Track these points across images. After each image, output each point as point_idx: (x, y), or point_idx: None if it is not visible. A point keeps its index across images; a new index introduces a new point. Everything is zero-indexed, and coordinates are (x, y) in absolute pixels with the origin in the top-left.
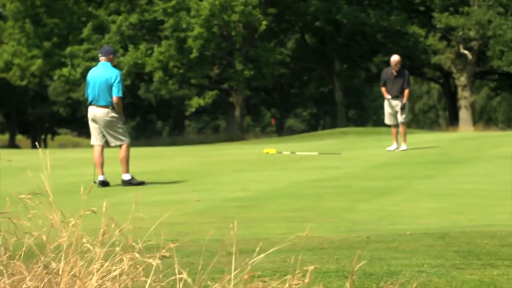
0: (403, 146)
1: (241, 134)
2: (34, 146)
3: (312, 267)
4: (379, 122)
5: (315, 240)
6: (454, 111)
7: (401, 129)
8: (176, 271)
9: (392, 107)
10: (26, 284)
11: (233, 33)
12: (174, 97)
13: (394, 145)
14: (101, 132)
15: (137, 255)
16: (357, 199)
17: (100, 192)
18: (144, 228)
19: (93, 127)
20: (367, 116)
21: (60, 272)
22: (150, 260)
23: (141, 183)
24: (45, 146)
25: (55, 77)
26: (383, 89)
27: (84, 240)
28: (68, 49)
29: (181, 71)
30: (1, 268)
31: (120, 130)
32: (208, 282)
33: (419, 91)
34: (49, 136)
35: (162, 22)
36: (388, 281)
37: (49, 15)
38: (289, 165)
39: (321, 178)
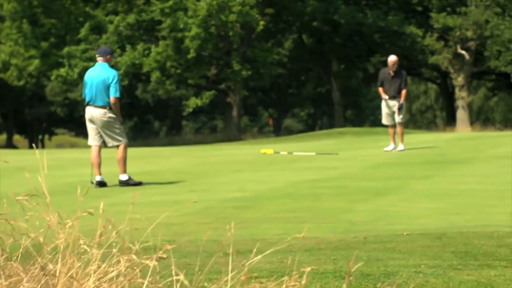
0: (401, 147)
1: (239, 134)
2: (31, 146)
3: (309, 269)
4: (376, 122)
5: (313, 241)
6: (452, 111)
7: (398, 129)
8: (173, 273)
9: (389, 108)
10: (23, 286)
11: (230, 33)
12: (172, 97)
13: (392, 145)
14: (99, 132)
15: (134, 256)
16: (355, 199)
17: (97, 193)
18: (141, 229)
19: (90, 128)
20: (365, 116)
21: (57, 274)
22: (147, 262)
23: (139, 184)
24: (43, 146)
25: (53, 77)
26: (380, 90)
27: (81, 241)
28: (66, 49)
29: (178, 71)
30: None
31: (118, 131)
32: (205, 284)
33: (416, 91)
34: (46, 136)
35: (160, 22)
36: (385, 282)
37: (47, 15)
38: (286, 165)
39: (319, 178)
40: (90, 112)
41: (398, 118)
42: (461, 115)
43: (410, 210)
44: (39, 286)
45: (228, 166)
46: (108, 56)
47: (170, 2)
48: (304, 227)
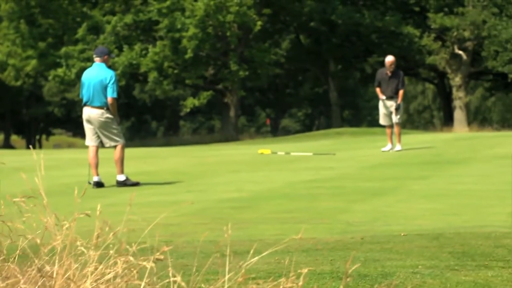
0: (398, 147)
1: (236, 134)
2: (29, 147)
3: (305, 270)
4: (373, 122)
5: (310, 242)
6: (449, 111)
7: (395, 129)
8: (170, 274)
9: (386, 108)
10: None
11: (228, 34)
12: (169, 97)
13: (389, 146)
14: (96, 133)
15: (131, 258)
16: (352, 200)
17: (95, 193)
18: (138, 230)
19: (87, 128)
20: (362, 116)
21: (54, 275)
22: (144, 263)
23: (136, 184)
24: (40, 147)
25: (50, 78)
26: (377, 90)
27: (78, 243)
28: (63, 50)
29: (175, 71)
30: None
31: (115, 131)
32: (202, 285)
33: (413, 92)
34: (44, 137)
35: (157, 22)
36: (383, 283)
37: (44, 15)
38: (283, 165)
39: (316, 178)
40: (88, 113)
41: (395, 119)
42: (459, 115)
43: (407, 211)
44: None
45: (225, 166)
46: (106, 57)
47: (168, 2)
48: (301, 228)
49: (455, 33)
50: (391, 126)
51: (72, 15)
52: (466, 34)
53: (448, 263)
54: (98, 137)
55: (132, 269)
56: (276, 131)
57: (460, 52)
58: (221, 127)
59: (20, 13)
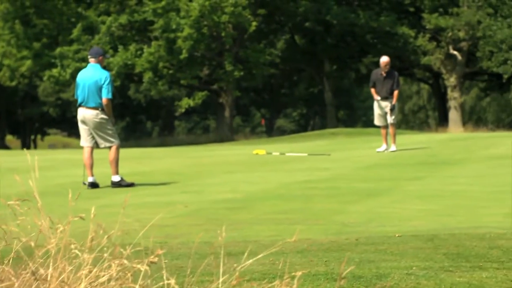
0: (393, 147)
1: (231, 134)
2: (24, 147)
3: (299, 273)
4: (368, 122)
5: (304, 243)
6: (444, 111)
7: (390, 130)
8: (164, 277)
9: (381, 108)
10: None
11: (222, 34)
12: (164, 97)
13: (384, 146)
14: (91, 133)
15: (125, 261)
16: (346, 200)
17: (89, 194)
18: (133, 231)
19: (82, 129)
20: (357, 116)
21: (49, 278)
22: (139, 266)
23: (131, 185)
24: (35, 147)
25: (45, 78)
26: (372, 90)
27: (73, 246)
28: (58, 50)
29: (170, 71)
30: None
31: (110, 132)
32: (196, 287)
33: (408, 92)
34: (39, 137)
35: (152, 22)
36: (377, 284)
37: (39, 15)
38: (278, 166)
39: (311, 179)
40: (82, 113)
41: (390, 119)
42: (454, 115)
43: (402, 212)
44: None
45: (220, 167)
46: (100, 57)
47: (163, 3)
48: (296, 229)
49: (450, 34)
50: (386, 126)
51: (67, 16)
52: (461, 34)
53: (443, 264)
54: (93, 138)
55: (126, 272)
56: (271, 131)
57: (455, 52)
58: (216, 127)
59: (15, 14)
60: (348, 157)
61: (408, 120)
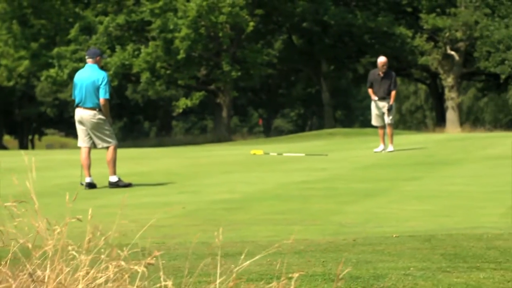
0: (390, 148)
1: (229, 134)
2: (21, 147)
3: (297, 274)
4: (366, 122)
5: (302, 243)
6: (441, 111)
7: (388, 130)
8: (162, 279)
9: (379, 109)
10: None
11: (220, 34)
12: (162, 97)
13: (381, 147)
14: (88, 134)
15: (122, 262)
16: (344, 201)
17: (87, 194)
18: (130, 232)
19: (80, 129)
20: (354, 116)
21: (46, 280)
22: (136, 267)
23: (128, 185)
24: (33, 147)
25: (42, 78)
26: (370, 91)
27: (70, 247)
28: (55, 50)
29: (168, 72)
30: None
31: (107, 132)
32: None
33: (406, 92)
34: (36, 137)
35: (149, 23)
36: (375, 285)
37: (36, 16)
38: (276, 166)
39: (308, 179)
40: (80, 114)
41: (387, 119)
42: (451, 115)
43: (400, 212)
44: None
45: (217, 167)
46: (98, 58)
47: (160, 3)
48: (293, 229)
49: (447, 34)
50: (383, 127)
51: (65, 16)
52: (459, 34)
53: (440, 265)
54: (91, 138)
55: (123, 274)
56: (269, 131)
57: (453, 52)
58: (214, 128)
59: (13, 14)
60: (345, 157)
61: (406, 120)
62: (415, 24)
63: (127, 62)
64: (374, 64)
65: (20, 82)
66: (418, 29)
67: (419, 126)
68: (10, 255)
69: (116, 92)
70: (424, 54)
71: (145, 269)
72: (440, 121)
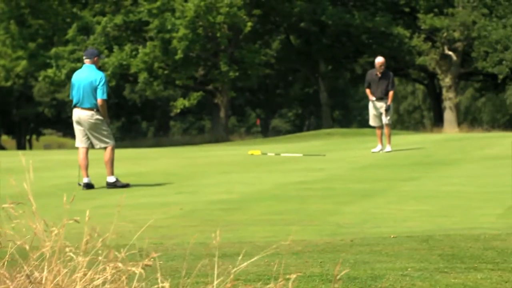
0: (388, 148)
1: (226, 135)
2: (19, 147)
3: (294, 276)
4: (363, 122)
5: (300, 244)
6: (439, 112)
7: (385, 130)
8: (159, 280)
9: (376, 109)
10: None
11: (218, 34)
12: (159, 98)
13: (379, 147)
14: (86, 134)
15: (120, 264)
16: (342, 201)
17: (84, 195)
18: (128, 233)
19: (77, 130)
20: (352, 116)
21: (43, 281)
22: (133, 269)
23: (126, 186)
24: (30, 147)
25: (40, 78)
26: (367, 91)
27: (67, 249)
28: (53, 50)
29: (166, 72)
30: None
31: (105, 133)
32: None
33: (404, 92)
34: (34, 137)
35: (147, 23)
36: (372, 285)
37: (34, 16)
38: (273, 166)
39: (306, 180)
40: (78, 114)
41: (385, 120)
42: (449, 115)
43: (397, 213)
44: None
45: (215, 167)
46: (96, 58)
47: (158, 3)
48: (291, 230)
49: (445, 34)
50: (381, 127)
51: (62, 16)
52: (456, 35)
53: (438, 266)
54: (88, 138)
55: (121, 275)
56: (267, 131)
57: (450, 52)
58: (211, 128)
59: (10, 14)
60: (343, 157)
61: (403, 121)
62: (413, 24)
63: (125, 62)
64: (372, 64)
65: (18, 82)
66: (415, 29)
67: (417, 126)
68: (7, 256)
69: (114, 92)
70: (421, 54)
71: (142, 271)
72: (438, 121)
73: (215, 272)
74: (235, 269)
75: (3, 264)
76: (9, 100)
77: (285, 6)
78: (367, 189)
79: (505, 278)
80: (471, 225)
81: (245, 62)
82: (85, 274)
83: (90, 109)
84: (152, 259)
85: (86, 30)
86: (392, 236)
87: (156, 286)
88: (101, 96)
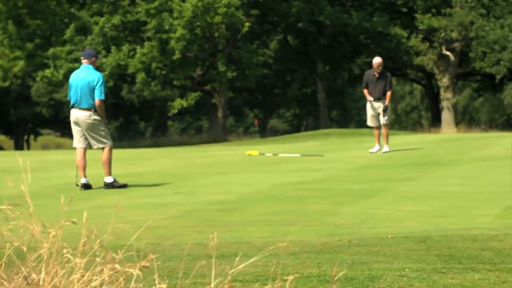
0: (385, 148)
1: (224, 135)
2: (17, 147)
3: (291, 277)
4: (361, 122)
5: (297, 244)
6: (437, 112)
7: (383, 131)
8: (156, 282)
9: (374, 109)
10: None
11: (215, 35)
12: (157, 98)
13: (377, 147)
14: (84, 134)
15: (117, 266)
16: (339, 202)
17: (82, 195)
18: (125, 233)
19: (75, 130)
20: (350, 116)
21: (41, 283)
22: (131, 270)
23: (123, 186)
24: (28, 147)
25: (38, 78)
26: (365, 91)
27: (65, 250)
28: (51, 50)
29: (163, 72)
30: None
31: (103, 133)
32: None
33: (401, 92)
34: (32, 137)
35: (145, 23)
36: (370, 286)
37: (32, 16)
38: (271, 167)
39: (303, 180)
40: (75, 115)
41: (383, 120)
42: (446, 116)
43: (395, 213)
44: None
45: (213, 168)
46: (93, 59)
47: (156, 3)
48: (289, 230)
49: (442, 34)
50: (378, 127)
51: (60, 16)
52: (454, 35)
53: (435, 266)
54: (86, 139)
55: (118, 276)
56: (264, 131)
57: (448, 53)
58: (209, 128)
59: (8, 14)
60: (341, 158)
61: (401, 121)
62: (411, 24)
63: (122, 63)
64: (370, 64)
65: (15, 83)
66: (413, 29)
67: (415, 126)
68: (5, 258)
69: (112, 92)
70: (419, 54)
71: (140, 272)
72: (435, 122)
73: (213, 273)
74: (232, 270)
75: (1, 265)
76: (7, 100)
77: (282, 6)
78: (364, 189)
79: (503, 279)
80: (468, 225)
81: (243, 62)
82: (82, 276)
83: (88, 109)
84: (149, 260)
85: (83, 30)
86: (389, 237)
87: (153, 287)
88: (98, 96)
